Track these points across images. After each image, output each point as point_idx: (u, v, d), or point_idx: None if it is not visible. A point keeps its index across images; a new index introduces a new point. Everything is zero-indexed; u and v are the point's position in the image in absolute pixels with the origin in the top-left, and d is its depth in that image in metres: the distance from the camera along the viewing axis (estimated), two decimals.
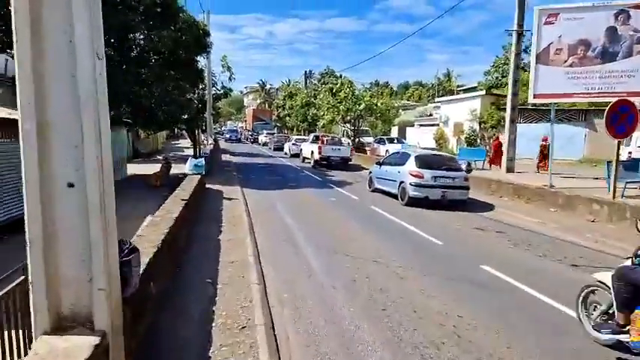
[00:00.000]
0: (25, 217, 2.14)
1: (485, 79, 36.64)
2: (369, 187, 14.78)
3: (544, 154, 17.64)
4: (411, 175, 11.86)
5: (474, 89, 35.90)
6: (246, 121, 79.22)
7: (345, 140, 28.44)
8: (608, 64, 12.65)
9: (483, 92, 28.40)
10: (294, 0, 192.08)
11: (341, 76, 42.02)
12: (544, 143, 18.56)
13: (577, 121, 23.22)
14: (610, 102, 11.20)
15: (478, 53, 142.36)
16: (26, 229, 2.15)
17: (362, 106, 27.64)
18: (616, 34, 12.62)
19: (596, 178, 15.29)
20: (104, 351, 2.22)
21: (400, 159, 13.08)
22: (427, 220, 10.40)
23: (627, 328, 3.75)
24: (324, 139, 24.39)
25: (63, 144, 2.18)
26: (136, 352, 3.30)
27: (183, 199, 7.57)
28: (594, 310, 4.33)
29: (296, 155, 28.63)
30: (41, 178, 2.13)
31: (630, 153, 17.82)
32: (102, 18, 2.37)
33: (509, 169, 17.76)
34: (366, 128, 32.41)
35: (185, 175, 11.67)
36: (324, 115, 31.74)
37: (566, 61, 12.97)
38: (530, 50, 33.40)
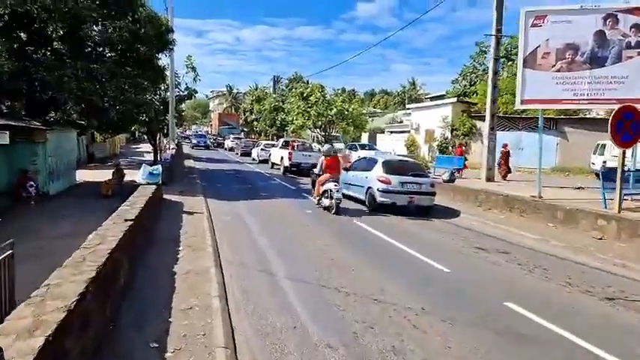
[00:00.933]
0: None
1: (452, 87, 36.24)
2: None
3: (505, 161, 18.21)
4: (379, 180, 11.57)
5: (442, 97, 35.39)
6: (211, 125, 76.41)
7: (315, 146, 26.94)
8: (597, 69, 11.79)
9: (454, 100, 27.71)
10: (264, 7, 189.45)
11: (308, 82, 40.71)
12: (504, 150, 18.55)
13: (548, 130, 22.76)
14: (590, 109, 10.29)
15: (439, 65, 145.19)
16: None
17: (334, 111, 26.30)
18: (605, 38, 11.79)
19: (578, 188, 14.57)
20: None
21: (367, 165, 12.74)
22: (418, 238, 9.02)
23: None
24: (295, 144, 22.80)
25: None
26: None
27: (127, 220, 5.78)
28: None
29: (265, 161, 26.84)
30: None
31: (605, 162, 17.28)
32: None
33: (489, 178, 16.83)
34: (337, 134, 31.07)
35: (138, 185, 9.74)
36: (293, 119, 30.19)
37: (554, 66, 12.02)
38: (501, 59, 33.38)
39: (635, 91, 11.23)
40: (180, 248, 6.91)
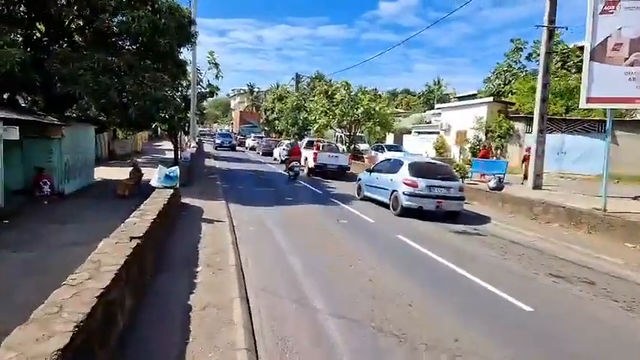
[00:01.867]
0: None
1: (485, 87, 34.33)
2: (358, 195, 13.95)
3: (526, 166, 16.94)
4: (405, 183, 11.01)
5: (472, 97, 33.55)
6: (232, 123, 75.91)
7: (340, 147, 25.61)
8: None
9: (490, 99, 25.93)
10: (286, 6, 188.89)
11: (331, 81, 39.38)
12: (527, 154, 17.35)
13: (595, 133, 20.86)
14: None
15: (462, 64, 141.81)
16: None
17: (360, 110, 24.85)
18: None
19: (635, 198, 12.86)
20: None
21: (392, 166, 12.20)
22: (474, 257, 7.60)
23: None
24: (320, 144, 21.52)
25: None
26: None
27: (134, 237, 4.56)
28: None
29: (285, 161, 25.61)
30: None
31: None
32: None
33: (537, 186, 15.18)
34: (361, 134, 29.65)
35: (154, 189, 8.56)
36: (316, 119, 28.89)
37: (626, 59, 10.39)
38: (536, 57, 31.42)
39: None
40: (199, 269, 5.68)
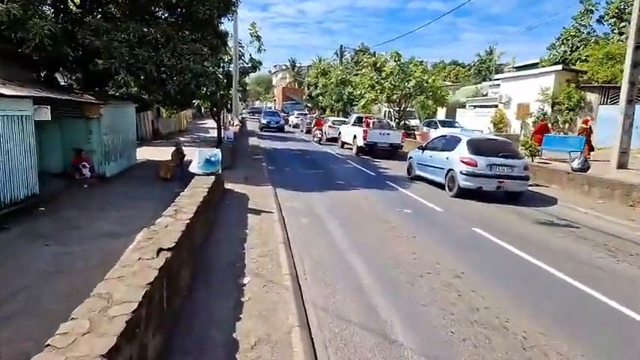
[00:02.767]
0: None
1: (549, 55, 30.92)
2: (408, 174, 13.18)
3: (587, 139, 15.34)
4: (463, 162, 10.13)
5: (533, 66, 30.32)
6: (275, 100, 75.06)
7: (390, 123, 23.83)
8: None
9: (558, 67, 23.06)
10: None
11: (375, 54, 37.11)
12: (584, 126, 16.29)
13: None
14: None
15: (514, 33, 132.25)
16: None
17: (412, 83, 22.83)
18: None
19: None
20: None
21: (448, 143, 11.30)
22: (581, 262, 6.00)
23: None
24: (370, 121, 19.91)
25: None
26: None
27: (162, 250, 3.42)
28: None
29: (333, 140, 24.22)
30: None
31: None
32: None
33: (622, 165, 13.00)
34: (411, 109, 27.57)
35: (188, 181, 7.43)
36: (363, 93, 27.09)
37: None
38: (609, 20, 27.76)
39: None
40: (245, 281, 4.52)
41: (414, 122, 27.33)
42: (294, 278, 4.71)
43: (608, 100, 21.03)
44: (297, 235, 6.57)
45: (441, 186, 11.03)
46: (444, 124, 23.83)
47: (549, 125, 20.78)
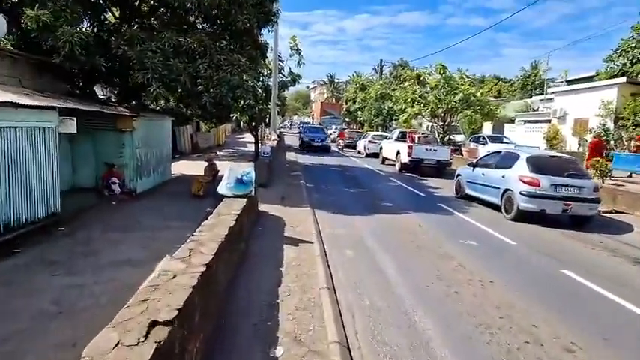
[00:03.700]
0: None
1: (605, 68, 28.29)
2: (457, 193, 12.02)
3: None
4: (523, 182, 9.03)
5: (588, 79, 27.82)
6: (313, 115, 74.65)
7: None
8: None
9: (623, 80, 20.72)
10: None
11: (414, 69, 35.61)
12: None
13: None
14: None
15: (558, 48, 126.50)
16: None
17: (458, 97, 21.17)
18: None
19: None
20: None
21: (504, 160, 10.24)
22: None
23: None
24: (415, 136, 18.42)
25: None
26: None
27: (156, 324, 2.24)
28: None
29: (373, 155, 22.85)
30: None
31: None
32: None
33: None
34: (455, 124, 25.75)
35: (222, 198, 6.29)
36: (403, 108, 25.61)
37: None
38: None
39: None
40: (278, 352, 3.25)
41: (459, 138, 25.51)
42: (345, 349, 3.39)
43: None
44: (342, 274, 5.26)
45: (494, 207, 9.91)
46: (492, 139, 21.92)
47: (604, 142, 18.69)
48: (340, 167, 18.99)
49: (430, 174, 16.78)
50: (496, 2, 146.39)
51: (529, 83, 52.22)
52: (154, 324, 2.28)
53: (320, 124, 48.88)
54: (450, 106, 22.05)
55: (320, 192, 11.64)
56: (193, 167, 15.16)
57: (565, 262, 6.23)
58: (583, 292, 5.20)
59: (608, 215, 10.10)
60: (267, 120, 21.51)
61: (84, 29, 10.00)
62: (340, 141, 32.13)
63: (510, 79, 60.76)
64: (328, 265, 5.44)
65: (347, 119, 48.05)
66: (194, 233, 4.32)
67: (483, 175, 10.62)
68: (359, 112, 39.86)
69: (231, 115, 14.94)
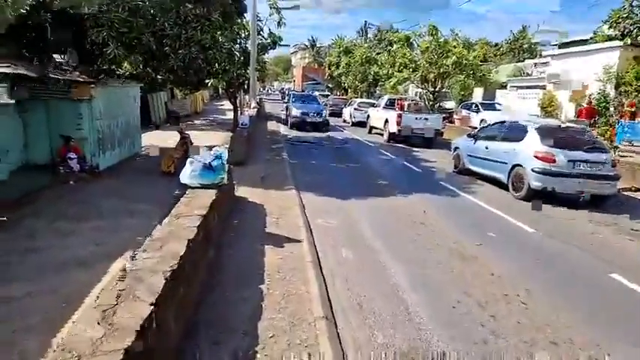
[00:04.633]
0: None
1: (599, 31, 26.97)
2: (455, 168, 10.86)
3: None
4: (537, 157, 7.94)
5: (583, 43, 26.56)
6: (294, 81, 71.93)
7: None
8: None
9: (627, 42, 19.52)
10: None
11: (397, 31, 33.68)
12: (630, 109, 14.39)
13: None
14: None
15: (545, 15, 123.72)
16: None
17: (451, 60, 19.71)
18: None
19: None
20: None
21: (511, 132, 9.12)
22: None
23: None
24: (405, 103, 17.05)
25: None
26: None
27: None
28: None
29: (360, 124, 21.43)
30: None
31: None
32: None
33: None
34: (446, 91, 24.37)
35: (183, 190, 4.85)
36: (389, 72, 24.01)
37: None
38: None
39: None
40: None
41: (448, 105, 24.25)
42: None
43: None
44: (342, 290, 4.03)
45: (500, 184, 8.95)
46: (485, 107, 20.75)
47: (597, 109, 17.90)
48: (328, 138, 17.53)
49: (421, 144, 15.59)
50: None
51: (517, 47, 50.69)
52: None
53: (303, 90, 46.74)
54: (441, 71, 20.59)
55: (305, 169, 10.29)
56: (167, 138, 13.57)
57: (606, 260, 5.17)
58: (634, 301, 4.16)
59: (629, 194, 9.13)
60: (246, 86, 19.69)
61: None
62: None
63: (497, 43, 59.00)
64: (323, 277, 4.21)
65: (330, 85, 46.02)
66: (137, 251, 3.00)
67: (487, 148, 9.54)
68: (343, 78, 37.95)
69: (206, 80, 13.19)
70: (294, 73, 77.24)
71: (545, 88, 22.57)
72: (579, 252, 5.52)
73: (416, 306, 3.81)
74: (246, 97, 23.29)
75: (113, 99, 10.73)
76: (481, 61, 45.14)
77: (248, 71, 17.49)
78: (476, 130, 11.36)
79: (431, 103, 22.25)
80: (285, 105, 23.81)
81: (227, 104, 31.72)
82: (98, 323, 2.02)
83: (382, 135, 17.33)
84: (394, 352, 3.11)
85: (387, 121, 16.91)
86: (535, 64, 26.50)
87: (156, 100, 20.31)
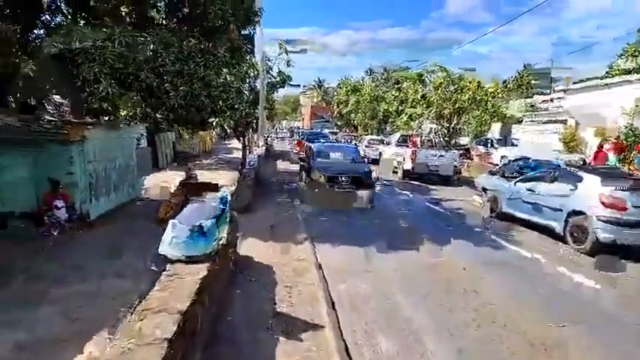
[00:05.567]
0: None
1: (613, 65, 26.09)
2: (491, 213, 9.36)
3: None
4: (604, 203, 6.58)
5: (597, 78, 25.61)
6: (302, 119, 72.07)
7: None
8: None
9: None
10: (349, 12, 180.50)
11: (407, 69, 33.27)
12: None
13: None
14: None
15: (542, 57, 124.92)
16: None
17: (467, 96, 18.75)
18: None
19: None
20: None
21: (563, 175, 7.98)
22: None
23: None
24: (417, 140, 15.94)
25: None
26: None
27: None
28: None
29: (372, 162, 20.34)
30: None
31: None
32: None
33: None
34: (462, 127, 23.35)
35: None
36: (401, 109, 23.15)
37: None
38: None
39: None
40: None
41: (463, 141, 23.14)
42: None
43: None
44: None
45: (547, 230, 7.64)
46: (501, 142, 19.58)
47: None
48: None
49: (437, 182, 14.30)
50: (475, 17, 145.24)
51: (524, 84, 50.22)
52: None
53: (311, 128, 46.30)
54: (457, 106, 19.61)
55: (319, 212, 8.96)
56: (175, 178, 12.49)
57: None
58: None
59: None
60: (254, 125, 18.86)
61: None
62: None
63: (504, 80, 58.67)
64: None
65: (338, 123, 45.47)
66: None
67: (532, 191, 8.26)
68: (352, 115, 37.33)
69: (210, 119, 12.20)
70: (303, 112, 77.67)
71: (565, 123, 21.41)
72: None
73: None
74: (255, 135, 22.48)
75: (110, 140, 9.72)
76: (492, 97, 44.55)
77: (257, 110, 16.69)
78: (497, 167, 10.53)
79: (446, 139, 21.16)
80: (304, 154, 14.28)
81: (235, 143, 31.00)
82: None
83: (396, 172, 16.14)
84: None
85: (403, 158, 15.78)
86: (552, 99, 25.48)
87: (163, 140, 19.55)
